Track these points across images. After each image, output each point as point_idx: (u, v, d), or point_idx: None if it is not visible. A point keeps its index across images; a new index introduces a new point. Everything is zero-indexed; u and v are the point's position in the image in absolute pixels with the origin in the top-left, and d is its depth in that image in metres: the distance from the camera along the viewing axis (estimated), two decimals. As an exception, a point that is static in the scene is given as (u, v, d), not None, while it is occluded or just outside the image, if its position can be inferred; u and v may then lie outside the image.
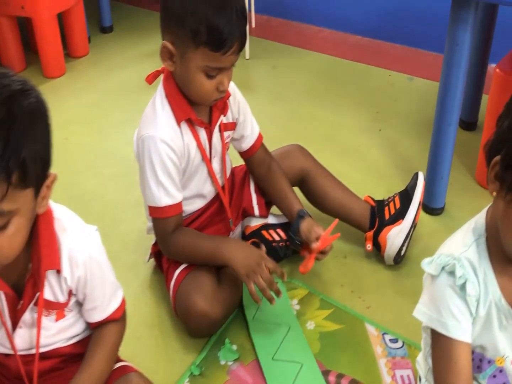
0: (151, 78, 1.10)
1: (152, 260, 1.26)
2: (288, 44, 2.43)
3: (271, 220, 1.31)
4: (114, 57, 2.26)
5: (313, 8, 2.62)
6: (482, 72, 1.67)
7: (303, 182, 1.32)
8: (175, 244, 1.09)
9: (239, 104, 1.18)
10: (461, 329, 0.73)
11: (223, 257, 1.07)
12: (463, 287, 0.72)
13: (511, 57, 1.51)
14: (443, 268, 0.73)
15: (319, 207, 1.34)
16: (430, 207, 1.38)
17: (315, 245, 1.11)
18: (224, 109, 1.12)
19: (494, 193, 0.69)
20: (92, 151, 1.70)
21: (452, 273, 0.73)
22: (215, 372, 1.04)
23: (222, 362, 1.06)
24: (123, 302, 0.88)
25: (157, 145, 1.03)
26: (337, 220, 1.18)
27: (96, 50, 2.30)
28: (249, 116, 1.22)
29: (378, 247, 1.26)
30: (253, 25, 2.65)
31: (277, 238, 1.27)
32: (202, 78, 1.00)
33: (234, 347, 1.09)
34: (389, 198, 1.30)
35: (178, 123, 1.06)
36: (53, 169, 1.60)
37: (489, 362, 0.78)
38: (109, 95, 2.00)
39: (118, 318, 0.87)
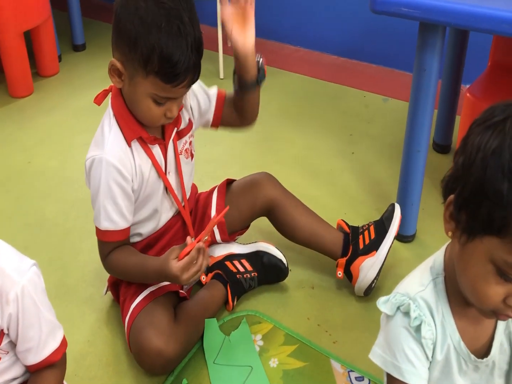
0: (100, 98, 1.05)
1: (110, 293, 1.20)
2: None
3: (236, 249, 1.26)
4: (85, 76, 2.21)
5: (289, 28, 2.61)
6: (455, 94, 1.66)
7: (271, 211, 1.27)
8: (110, 266, 1.07)
9: (190, 100, 1.10)
10: (416, 375, 0.69)
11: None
12: (418, 329, 0.68)
13: (482, 81, 1.50)
14: (398, 308, 0.69)
15: (289, 237, 1.28)
16: (401, 235, 1.34)
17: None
18: (177, 122, 1.08)
19: (450, 233, 0.65)
20: (55, 175, 1.64)
21: (407, 313, 0.69)
22: (170, 416, 0.98)
23: (179, 405, 1.00)
24: (63, 344, 0.82)
25: (103, 168, 0.99)
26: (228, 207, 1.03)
27: (67, 69, 2.25)
28: (200, 89, 1.12)
29: (349, 276, 1.21)
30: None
31: (241, 269, 1.22)
32: (150, 103, 0.96)
33: (192, 388, 1.03)
34: (363, 226, 1.25)
35: (128, 143, 1.01)
36: (13, 194, 1.57)
37: (449, 410, 0.73)
38: (77, 115, 1.94)
39: (57, 362, 0.80)
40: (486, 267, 0.60)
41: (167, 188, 1.10)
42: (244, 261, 1.23)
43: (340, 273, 1.21)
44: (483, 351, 0.71)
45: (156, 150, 1.06)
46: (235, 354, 1.07)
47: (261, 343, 1.11)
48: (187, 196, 1.18)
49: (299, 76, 2.28)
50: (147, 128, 1.03)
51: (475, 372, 0.72)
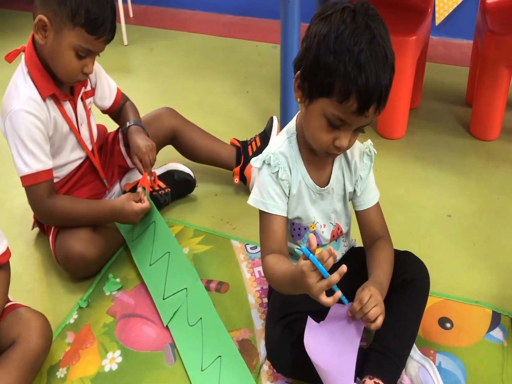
0: (12, 56, 1.16)
1: (37, 229, 1.34)
2: (165, 28, 2.57)
3: (149, 173, 1.44)
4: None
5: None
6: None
7: (174, 139, 1.46)
8: (51, 210, 1.16)
9: (95, 71, 1.28)
10: (277, 207, 0.92)
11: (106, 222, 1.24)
12: (277, 174, 0.91)
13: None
14: (263, 161, 0.92)
15: (192, 158, 1.50)
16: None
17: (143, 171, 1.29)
18: (85, 83, 1.24)
19: (299, 99, 0.88)
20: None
21: (269, 164, 0.91)
22: (100, 302, 1.16)
23: (107, 293, 1.18)
24: (8, 252, 0.98)
25: (23, 117, 1.10)
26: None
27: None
28: (104, 78, 1.32)
29: (244, 180, 1.44)
30: (131, 15, 2.77)
31: (156, 187, 1.40)
32: (72, 56, 1.10)
33: (118, 280, 1.21)
34: (251, 139, 1.49)
35: (43, 98, 1.14)
36: None
37: (305, 228, 0.98)
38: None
39: (4, 264, 0.97)
40: (321, 120, 0.84)
41: (78, 140, 1.26)
42: (158, 181, 1.42)
43: (236, 180, 1.44)
44: (325, 183, 0.96)
45: (68, 106, 1.21)
46: (142, 221, 1.24)
47: (174, 239, 1.31)
48: (95, 139, 1.34)
49: (198, 35, 2.47)
50: (60, 86, 1.17)
51: (321, 199, 0.97)
